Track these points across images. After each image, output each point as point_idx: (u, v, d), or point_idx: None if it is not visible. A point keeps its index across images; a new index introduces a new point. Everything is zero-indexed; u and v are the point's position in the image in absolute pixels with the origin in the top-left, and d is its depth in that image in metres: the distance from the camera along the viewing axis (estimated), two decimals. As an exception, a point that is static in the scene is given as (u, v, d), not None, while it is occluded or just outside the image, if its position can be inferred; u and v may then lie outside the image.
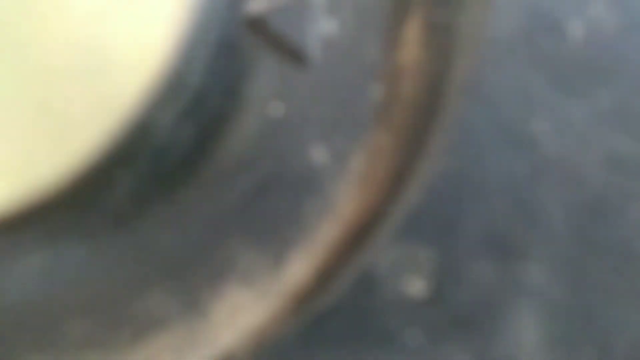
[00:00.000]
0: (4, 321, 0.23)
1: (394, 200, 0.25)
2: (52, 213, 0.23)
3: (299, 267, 0.24)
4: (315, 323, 0.27)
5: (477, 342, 0.31)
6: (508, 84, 0.32)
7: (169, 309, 0.24)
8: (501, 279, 0.30)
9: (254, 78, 0.24)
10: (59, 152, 0.22)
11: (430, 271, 0.30)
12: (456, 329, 0.31)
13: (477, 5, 0.24)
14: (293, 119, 0.24)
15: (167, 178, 0.23)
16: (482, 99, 0.31)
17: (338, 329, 0.30)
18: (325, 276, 0.24)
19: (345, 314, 0.30)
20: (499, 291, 0.30)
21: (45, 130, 0.22)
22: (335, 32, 0.24)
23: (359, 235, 0.25)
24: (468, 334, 0.31)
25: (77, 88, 0.23)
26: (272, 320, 0.24)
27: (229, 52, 0.24)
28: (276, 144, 0.24)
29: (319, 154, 0.25)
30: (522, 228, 0.30)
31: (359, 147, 0.24)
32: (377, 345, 0.30)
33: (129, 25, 0.22)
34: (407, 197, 0.25)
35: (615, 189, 0.31)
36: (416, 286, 0.30)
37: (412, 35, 0.24)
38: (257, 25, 0.24)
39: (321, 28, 0.24)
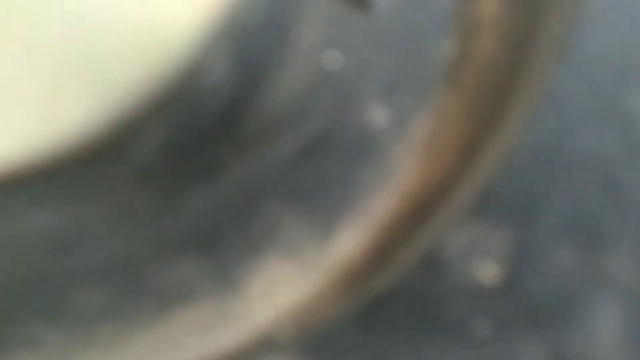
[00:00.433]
0: (9, 287, 0.21)
1: (464, 174, 0.23)
2: (73, 167, 0.20)
3: (350, 242, 0.21)
4: (371, 307, 0.25)
5: (552, 337, 0.29)
6: (605, 52, 0.30)
7: (199, 280, 0.22)
8: (583, 268, 0.28)
9: (309, 22, 0.22)
10: (96, 97, 0.21)
11: (504, 256, 0.28)
12: (530, 321, 0.29)
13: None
14: (350, 72, 0.22)
15: (203, 132, 0.21)
16: (574, 65, 0.29)
17: (398, 315, 0.29)
18: (381, 254, 0.21)
19: (407, 298, 0.28)
20: (579, 281, 0.28)
21: (82, 75, 0.21)
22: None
23: (422, 211, 0.22)
24: (542, 328, 0.29)
25: (124, 35, 0.21)
26: (317, 299, 0.21)
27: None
28: (330, 99, 0.22)
29: (378, 115, 0.22)
30: (610, 213, 0.28)
31: (424, 109, 0.21)
32: (441, 334, 0.29)
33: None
34: (479, 171, 0.23)
35: None
36: (487, 271, 0.28)
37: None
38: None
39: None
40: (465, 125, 0.22)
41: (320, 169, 0.22)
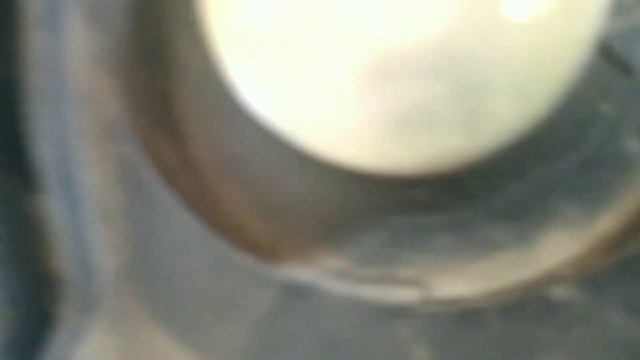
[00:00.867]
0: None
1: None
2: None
3: (609, 221, 0.34)
4: (627, 261, 0.33)
5: None
6: None
7: (507, 238, 0.35)
8: None
9: (587, 81, 0.34)
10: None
11: None
12: None
13: None
14: (614, 114, 0.34)
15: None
16: None
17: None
18: (631, 230, 0.33)
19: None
20: None
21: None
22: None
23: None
24: None
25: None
26: (586, 256, 0.33)
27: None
28: (599, 132, 0.34)
29: (632, 145, 0.34)
30: None
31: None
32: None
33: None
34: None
35: None
36: None
37: None
38: (603, 47, 0.33)
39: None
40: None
41: (590, 176, 0.34)
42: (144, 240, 0.38)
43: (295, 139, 0.33)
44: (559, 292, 0.32)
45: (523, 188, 0.34)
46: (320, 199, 0.36)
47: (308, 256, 0.36)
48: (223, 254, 0.36)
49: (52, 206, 0.39)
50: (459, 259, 0.34)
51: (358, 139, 0.32)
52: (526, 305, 0.33)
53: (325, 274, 0.35)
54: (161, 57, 0.38)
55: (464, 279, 0.34)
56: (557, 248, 0.34)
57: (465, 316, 0.33)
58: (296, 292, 0.36)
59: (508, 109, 0.31)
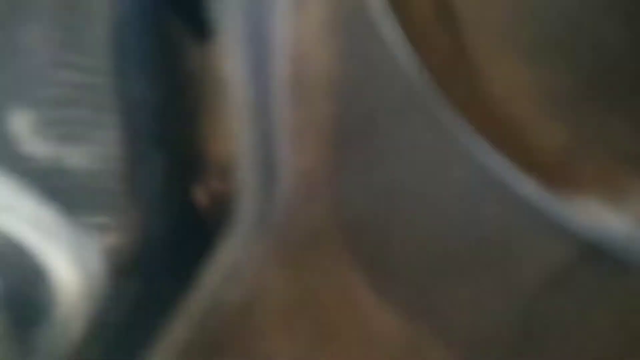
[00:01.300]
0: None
1: None
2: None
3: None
4: None
5: None
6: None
7: None
8: None
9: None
10: None
11: None
12: None
13: None
14: None
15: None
16: None
17: None
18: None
19: None
20: None
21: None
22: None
23: None
24: None
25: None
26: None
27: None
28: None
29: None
30: None
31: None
32: None
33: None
34: None
35: None
36: None
37: None
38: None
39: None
40: None
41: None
42: (359, 139, 0.26)
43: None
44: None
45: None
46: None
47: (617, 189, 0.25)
48: (492, 171, 0.23)
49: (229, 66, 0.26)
50: None
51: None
52: None
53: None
54: None
55: None
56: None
57: None
58: (596, 251, 0.24)
59: None
